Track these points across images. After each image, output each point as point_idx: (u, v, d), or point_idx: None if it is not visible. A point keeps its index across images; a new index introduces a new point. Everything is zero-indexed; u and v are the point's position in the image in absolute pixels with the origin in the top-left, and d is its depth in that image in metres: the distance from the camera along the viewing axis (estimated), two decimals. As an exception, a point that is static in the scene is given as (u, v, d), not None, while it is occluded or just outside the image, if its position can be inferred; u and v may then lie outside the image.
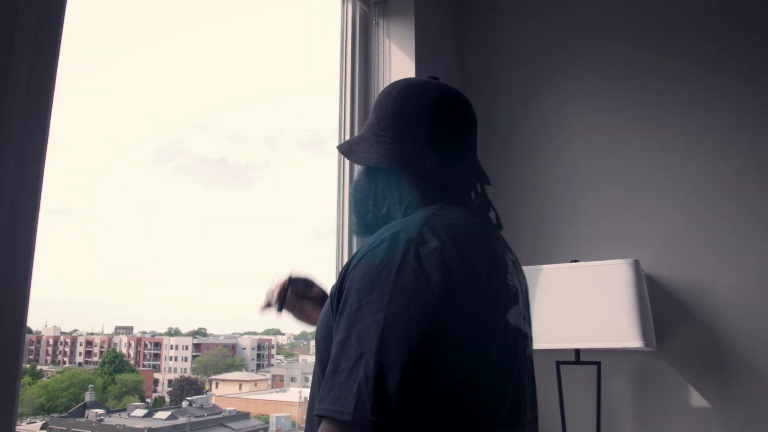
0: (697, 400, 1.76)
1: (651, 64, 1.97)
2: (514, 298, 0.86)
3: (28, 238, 0.92)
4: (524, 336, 0.89)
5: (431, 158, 0.91)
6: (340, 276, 0.80)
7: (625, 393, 1.86)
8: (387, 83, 1.85)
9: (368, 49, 1.90)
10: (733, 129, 1.84)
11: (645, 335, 1.58)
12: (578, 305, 1.68)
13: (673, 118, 1.92)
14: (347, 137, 1.83)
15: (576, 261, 1.80)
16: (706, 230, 1.82)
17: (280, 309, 1.16)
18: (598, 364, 1.74)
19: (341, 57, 1.90)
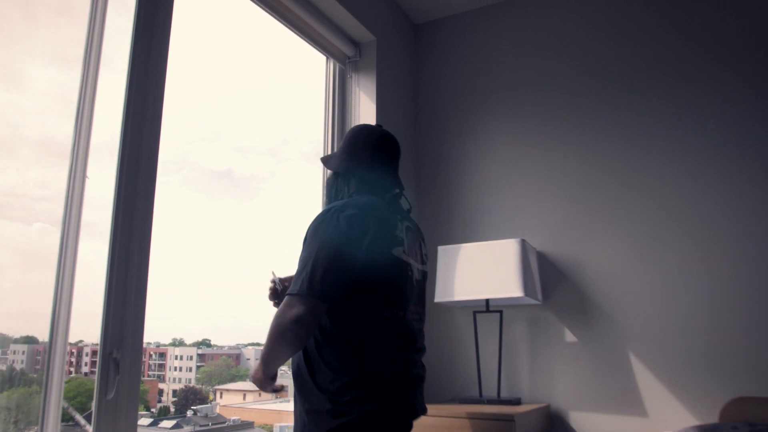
0: (570, 337, 2.51)
1: (551, 97, 2.76)
2: (400, 243, 1.58)
3: (146, 257, 1.61)
4: (408, 265, 1.60)
5: (368, 171, 1.66)
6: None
7: (521, 334, 2.61)
8: (357, 118, 2.65)
9: (345, 94, 2.71)
10: (603, 142, 2.61)
11: (526, 288, 2.32)
12: (487, 269, 2.42)
13: (565, 137, 2.69)
14: (330, 152, 2.63)
15: (487, 240, 2.56)
16: (581, 218, 2.58)
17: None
18: (501, 312, 2.49)
19: (325, 99, 2.70)
